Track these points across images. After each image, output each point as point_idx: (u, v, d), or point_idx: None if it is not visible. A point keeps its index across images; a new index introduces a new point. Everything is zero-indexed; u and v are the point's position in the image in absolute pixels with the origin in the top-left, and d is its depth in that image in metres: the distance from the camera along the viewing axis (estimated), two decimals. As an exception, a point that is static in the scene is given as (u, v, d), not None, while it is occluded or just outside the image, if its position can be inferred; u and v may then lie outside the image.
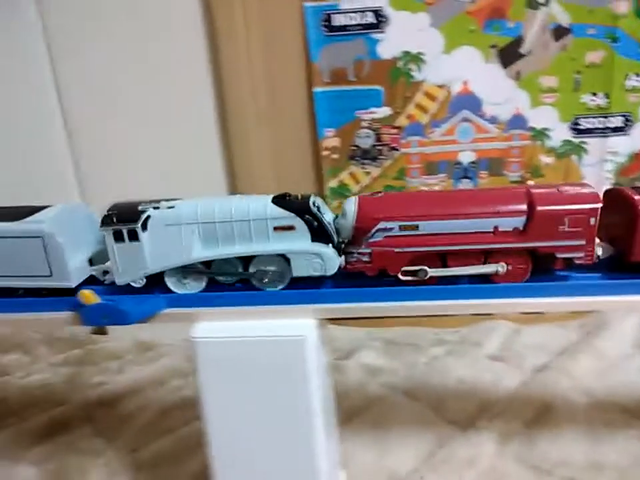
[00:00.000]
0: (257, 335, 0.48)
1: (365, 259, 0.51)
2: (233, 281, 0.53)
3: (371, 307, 0.51)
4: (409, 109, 0.95)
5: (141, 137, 0.97)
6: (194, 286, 0.53)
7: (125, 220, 0.51)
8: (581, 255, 0.50)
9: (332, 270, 0.51)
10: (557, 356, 0.88)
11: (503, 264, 0.50)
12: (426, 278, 0.51)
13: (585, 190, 0.50)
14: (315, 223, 0.50)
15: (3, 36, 0.93)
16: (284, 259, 0.51)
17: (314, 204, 0.51)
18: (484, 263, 0.51)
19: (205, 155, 0.97)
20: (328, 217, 0.52)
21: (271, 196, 0.52)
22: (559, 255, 0.50)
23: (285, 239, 0.50)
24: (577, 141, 0.95)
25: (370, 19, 0.91)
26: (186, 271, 0.52)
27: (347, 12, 0.91)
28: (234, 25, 0.90)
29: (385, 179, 0.99)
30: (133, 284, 0.53)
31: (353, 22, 0.92)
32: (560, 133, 0.95)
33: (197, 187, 0.96)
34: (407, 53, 0.93)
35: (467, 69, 0.93)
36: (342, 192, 1.01)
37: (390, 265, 0.51)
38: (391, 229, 0.50)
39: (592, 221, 0.49)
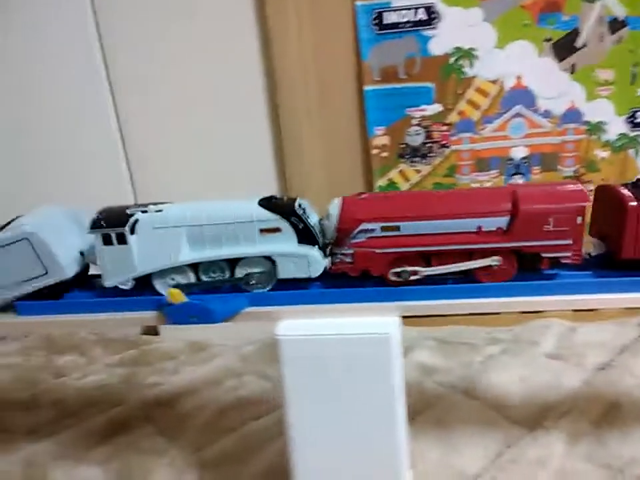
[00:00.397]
0: (342, 332, 0.47)
1: (348, 259, 0.51)
2: (220, 284, 0.53)
3: (453, 304, 0.50)
4: (460, 106, 0.94)
5: (192, 138, 0.98)
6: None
7: (113, 224, 0.52)
8: (568, 254, 0.49)
9: (317, 272, 0.51)
10: (618, 354, 0.86)
11: (497, 257, 0.50)
12: (410, 279, 0.50)
13: (573, 188, 0.50)
14: (301, 225, 0.51)
15: (56, 33, 0.94)
16: (270, 261, 0.52)
17: (299, 206, 0.52)
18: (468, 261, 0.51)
19: (255, 154, 0.97)
20: (313, 219, 0.53)
21: (257, 198, 0.53)
22: (545, 255, 0.49)
23: (271, 241, 0.51)
24: (633, 134, 0.93)
25: (422, 15, 0.90)
26: (173, 273, 0.53)
27: (399, 9, 0.90)
28: (286, 24, 0.90)
29: (434, 176, 0.98)
30: (121, 286, 0.54)
31: (405, 19, 0.91)
32: (616, 127, 0.93)
33: (247, 187, 0.96)
34: (458, 49, 0.92)
35: (521, 63, 0.92)
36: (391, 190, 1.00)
37: (372, 265, 0.51)
38: (372, 230, 0.50)
39: (579, 220, 0.48)
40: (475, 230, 0.49)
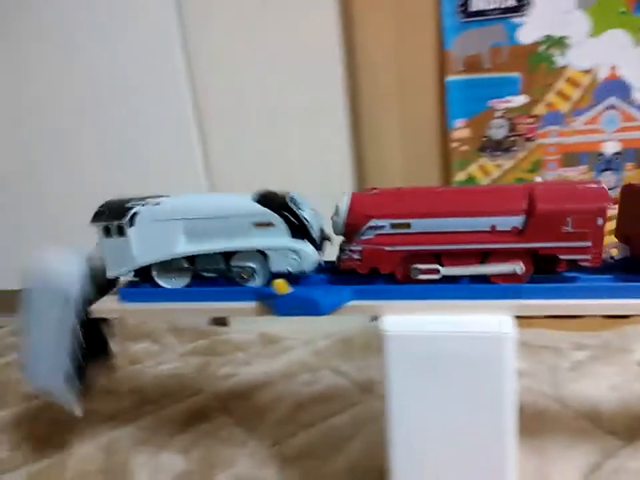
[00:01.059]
0: (454, 329, 0.45)
1: (356, 256, 0.50)
2: (215, 276, 0.54)
3: (570, 305, 0.47)
4: (548, 97, 0.90)
5: (269, 125, 0.96)
6: (179, 280, 0.55)
7: (113, 216, 0.53)
8: (587, 257, 0.46)
9: (309, 267, 0.51)
10: None
11: (520, 264, 0.47)
12: (437, 277, 0.48)
13: (594, 187, 0.46)
14: (293, 219, 0.51)
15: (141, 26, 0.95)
16: (263, 255, 0.52)
17: (292, 200, 0.52)
18: (482, 264, 0.48)
19: (332, 143, 0.96)
20: (307, 213, 0.52)
21: (251, 193, 0.53)
22: (562, 257, 0.46)
23: (264, 235, 0.51)
24: None
25: (510, 2, 0.87)
26: (171, 265, 0.54)
27: (487, -4, 0.87)
28: (369, 11, 0.88)
29: (517, 171, 0.94)
30: (121, 276, 0.55)
31: (492, 6, 0.87)
32: None
33: (323, 176, 0.96)
34: (549, 37, 0.87)
35: (616, 53, 0.86)
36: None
37: (381, 263, 0.49)
38: (382, 227, 0.49)
39: (599, 221, 0.45)
40: (489, 229, 0.47)
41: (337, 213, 0.50)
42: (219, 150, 0.98)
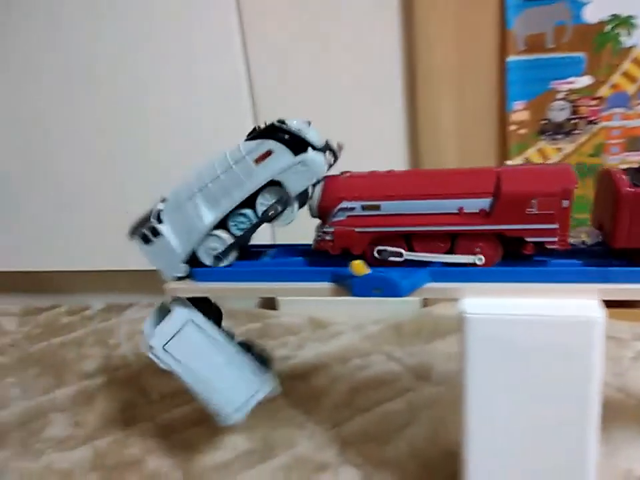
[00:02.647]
0: (541, 313, 0.44)
1: (328, 237, 0.51)
2: (251, 232, 0.54)
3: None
4: (613, 78, 0.87)
5: (326, 106, 0.95)
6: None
7: (143, 222, 0.56)
8: (554, 239, 0.46)
9: (321, 172, 0.50)
10: None
11: (480, 256, 0.48)
12: (390, 259, 0.49)
13: (560, 170, 0.47)
14: (286, 137, 0.50)
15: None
16: (279, 185, 0.51)
17: (278, 121, 0.51)
18: (451, 245, 0.49)
19: (388, 123, 0.94)
20: (296, 124, 0.51)
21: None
22: (529, 239, 0.47)
23: (269, 166, 0.51)
24: None
25: (577, -21, 0.83)
26: (210, 239, 0.54)
27: (553, -28, 0.84)
28: (430, -9, 0.86)
29: (578, 155, 0.91)
30: (178, 274, 0.56)
31: (557, -17, 0.84)
32: None
33: (378, 157, 0.94)
34: (615, 17, 0.84)
35: (689, 31, 0.83)
36: (527, 170, 0.94)
37: (352, 244, 0.50)
38: (353, 209, 0.50)
39: (564, 203, 0.45)
40: (457, 211, 0.48)
41: (311, 196, 0.52)
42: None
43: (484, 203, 0.47)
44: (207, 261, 0.55)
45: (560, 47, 0.87)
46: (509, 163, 0.50)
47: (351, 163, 0.96)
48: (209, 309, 0.62)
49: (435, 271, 0.48)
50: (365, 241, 0.50)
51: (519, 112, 0.91)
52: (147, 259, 0.57)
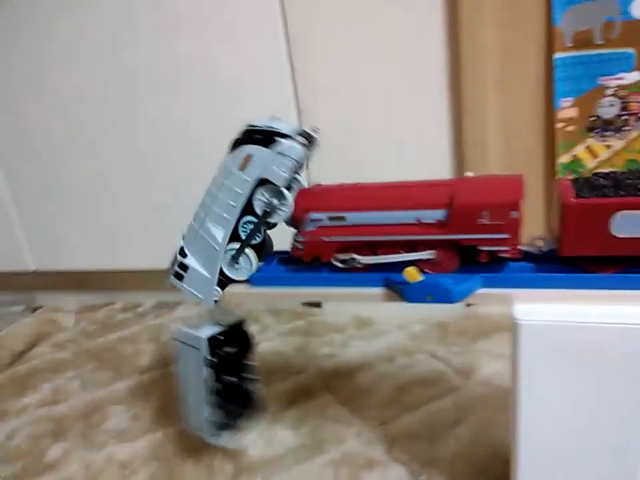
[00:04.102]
0: (599, 320, 0.43)
1: (300, 246, 0.54)
2: (262, 236, 0.57)
3: None
4: (666, 73, 0.85)
5: (370, 102, 0.95)
6: (244, 264, 0.57)
7: (173, 262, 0.61)
8: (505, 248, 0.48)
9: (299, 155, 0.53)
10: None
11: (432, 251, 0.51)
12: (358, 266, 0.53)
13: (511, 183, 0.49)
14: (258, 136, 0.53)
15: None
16: (268, 182, 0.54)
17: (248, 125, 0.55)
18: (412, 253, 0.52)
19: (432, 120, 0.93)
20: (265, 121, 0.54)
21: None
22: (482, 248, 0.49)
23: (252, 168, 0.54)
24: None
25: (627, -27, 0.82)
26: (229, 255, 0.58)
27: (602, -33, 0.82)
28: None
29: (628, 152, 0.89)
30: (214, 299, 0.59)
31: (606, -22, 0.83)
32: None
33: (421, 154, 0.95)
34: (668, 10, 0.82)
35: None
36: (575, 168, 0.93)
37: (321, 252, 0.54)
38: (321, 220, 0.53)
39: (513, 214, 0.47)
40: (415, 222, 0.50)
41: (288, 206, 0.55)
42: (313, 114, 0.98)
43: (440, 214, 0.49)
44: (232, 274, 0.58)
45: (608, 43, 0.85)
46: (468, 174, 0.52)
47: (396, 163, 0.97)
48: (238, 338, 0.65)
49: (486, 277, 0.49)
50: (332, 250, 0.54)
51: (567, 109, 0.90)
52: (187, 296, 0.61)
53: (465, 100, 0.90)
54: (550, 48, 0.88)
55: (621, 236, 0.44)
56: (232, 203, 0.55)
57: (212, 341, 0.61)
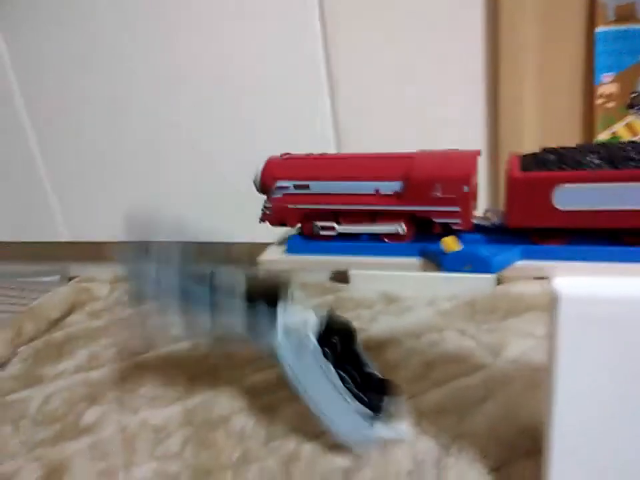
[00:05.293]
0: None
1: (269, 212, 0.58)
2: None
3: None
4: None
5: (401, 79, 0.94)
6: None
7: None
8: (457, 220, 0.50)
9: None
10: None
11: (401, 223, 0.53)
12: (325, 234, 0.55)
13: (465, 157, 0.51)
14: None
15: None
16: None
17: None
18: (372, 224, 0.54)
19: (467, 96, 0.92)
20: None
21: None
22: (436, 220, 0.51)
23: None
24: None
25: (677, -59, 0.78)
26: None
27: None
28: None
29: (670, 130, 0.87)
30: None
31: (654, -53, 0.79)
32: None
33: (456, 132, 0.93)
34: None
35: None
36: (613, 145, 0.90)
37: (287, 219, 0.57)
38: (287, 188, 0.56)
39: (465, 188, 0.49)
40: (374, 192, 0.53)
41: (255, 174, 0.58)
42: (348, 105, 0.98)
43: (397, 185, 0.52)
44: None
45: (654, 15, 0.82)
46: (425, 149, 0.56)
47: (430, 138, 0.95)
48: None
49: (526, 249, 0.48)
50: (298, 217, 0.56)
51: (607, 85, 0.87)
52: None
53: (503, 76, 0.89)
54: (592, 21, 0.85)
55: (563, 209, 0.46)
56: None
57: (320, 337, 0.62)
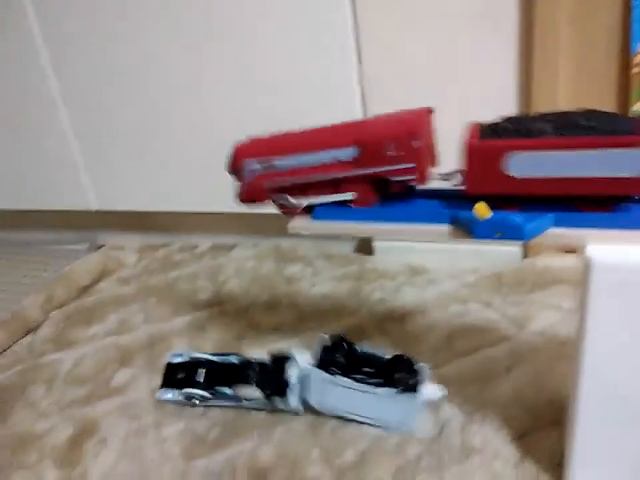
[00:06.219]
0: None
1: (240, 190, 0.60)
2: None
3: None
4: None
5: (432, 36, 0.92)
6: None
7: None
8: (413, 177, 0.52)
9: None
10: None
11: (354, 192, 0.55)
12: (291, 207, 0.57)
13: (417, 115, 0.53)
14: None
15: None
16: None
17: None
18: (337, 191, 0.56)
19: (499, 64, 0.89)
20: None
21: None
22: (394, 179, 0.53)
23: None
24: None
25: None
26: None
27: None
28: None
29: None
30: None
31: None
32: None
33: (487, 102, 0.91)
34: None
35: None
36: (649, 116, 0.88)
37: (257, 195, 0.59)
38: (254, 166, 0.58)
39: (414, 143, 0.50)
40: (335, 161, 0.54)
41: (227, 158, 0.60)
42: (375, 59, 0.96)
43: (354, 151, 0.53)
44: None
45: (697, -21, 0.79)
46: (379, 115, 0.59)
47: (460, 98, 0.93)
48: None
49: (559, 216, 0.48)
50: (265, 193, 0.58)
51: (644, 53, 0.85)
52: None
53: (536, 43, 0.86)
54: (630, -13, 0.82)
55: (516, 176, 0.47)
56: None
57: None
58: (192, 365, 0.73)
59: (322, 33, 0.95)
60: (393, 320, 0.87)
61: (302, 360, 0.68)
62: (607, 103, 0.89)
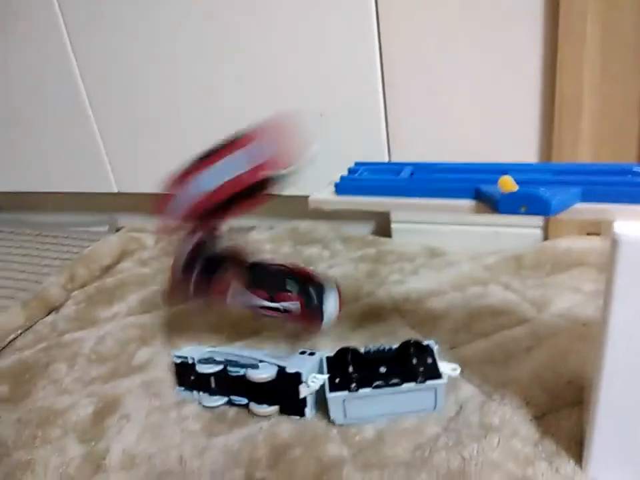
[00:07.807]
0: None
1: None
2: None
3: None
4: None
5: (452, 36, 0.91)
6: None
7: None
8: None
9: None
10: None
11: None
12: None
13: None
14: None
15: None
16: None
17: None
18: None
19: (522, 71, 0.88)
20: None
21: None
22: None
23: None
24: None
25: None
26: None
27: None
28: None
29: None
30: None
31: None
32: None
33: (509, 111, 0.90)
34: None
35: None
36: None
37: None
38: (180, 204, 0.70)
39: None
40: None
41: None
42: (398, 65, 0.95)
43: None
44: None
45: None
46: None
47: (482, 108, 0.91)
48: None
49: (586, 190, 0.46)
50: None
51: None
52: None
53: (562, 46, 0.83)
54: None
55: None
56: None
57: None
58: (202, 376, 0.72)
59: (345, 36, 0.95)
60: (411, 301, 0.86)
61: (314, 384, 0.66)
62: (632, 113, 0.86)
